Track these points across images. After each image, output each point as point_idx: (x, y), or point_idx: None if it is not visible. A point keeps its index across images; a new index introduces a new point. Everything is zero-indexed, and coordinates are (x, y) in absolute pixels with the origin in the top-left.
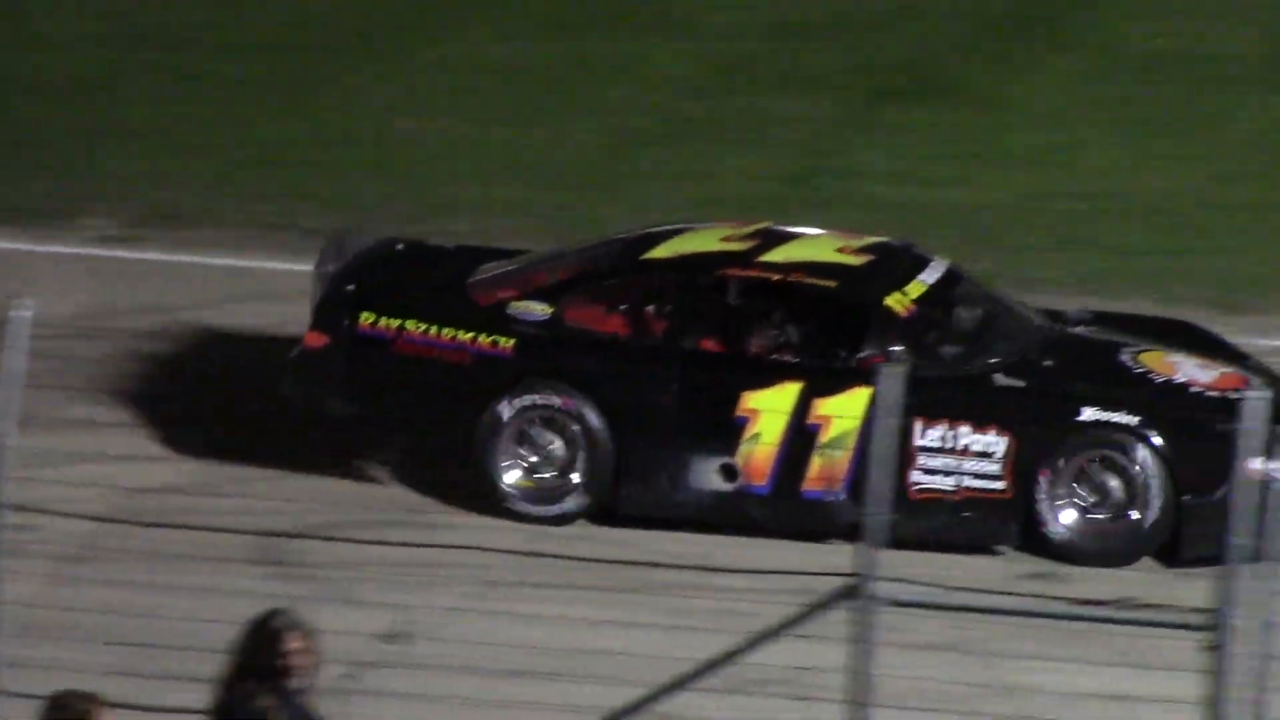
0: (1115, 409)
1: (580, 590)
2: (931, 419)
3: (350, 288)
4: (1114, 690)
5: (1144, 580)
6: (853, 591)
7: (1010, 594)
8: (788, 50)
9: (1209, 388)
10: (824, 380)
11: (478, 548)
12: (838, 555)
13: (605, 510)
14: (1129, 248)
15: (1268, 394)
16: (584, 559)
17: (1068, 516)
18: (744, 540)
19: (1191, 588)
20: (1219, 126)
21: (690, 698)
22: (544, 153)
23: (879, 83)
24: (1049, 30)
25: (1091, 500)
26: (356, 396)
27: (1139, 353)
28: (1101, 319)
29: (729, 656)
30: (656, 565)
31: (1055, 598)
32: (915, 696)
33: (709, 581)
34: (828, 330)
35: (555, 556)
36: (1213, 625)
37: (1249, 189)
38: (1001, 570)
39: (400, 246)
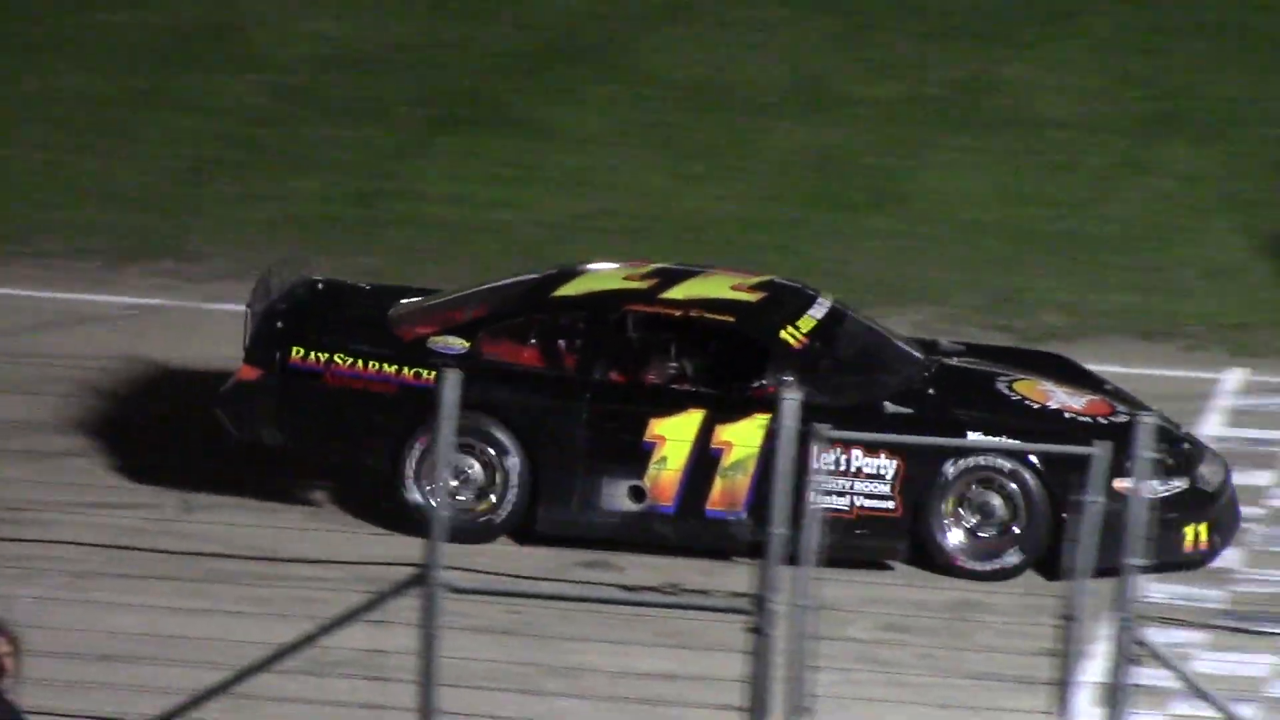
0: (996, 434)
1: (164, 580)
2: (826, 445)
3: (279, 324)
4: (663, 670)
5: (691, 567)
6: (419, 580)
7: (566, 581)
8: (352, 80)
9: (1080, 413)
10: (725, 408)
11: (71, 542)
12: (410, 548)
13: (523, 531)
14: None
15: (1154, 418)
16: (166, 551)
17: (955, 536)
18: (313, 532)
19: (736, 575)
20: (750, 151)
21: (270, 679)
22: (125, 178)
23: (437, 111)
24: (595, 61)
25: (976, 519)
26: (288, 426)
27: (1013, 381)
28: (972, 350)
29: (306, 640)
30: (232, 556)
31: (608, 584)
32: (480, 677)
33: (284, 571)
34: (727, 362)
35: (139, 549)
36: (755, 610)
37: (780, 208)
38: (558, 559)
39: (320, 285)
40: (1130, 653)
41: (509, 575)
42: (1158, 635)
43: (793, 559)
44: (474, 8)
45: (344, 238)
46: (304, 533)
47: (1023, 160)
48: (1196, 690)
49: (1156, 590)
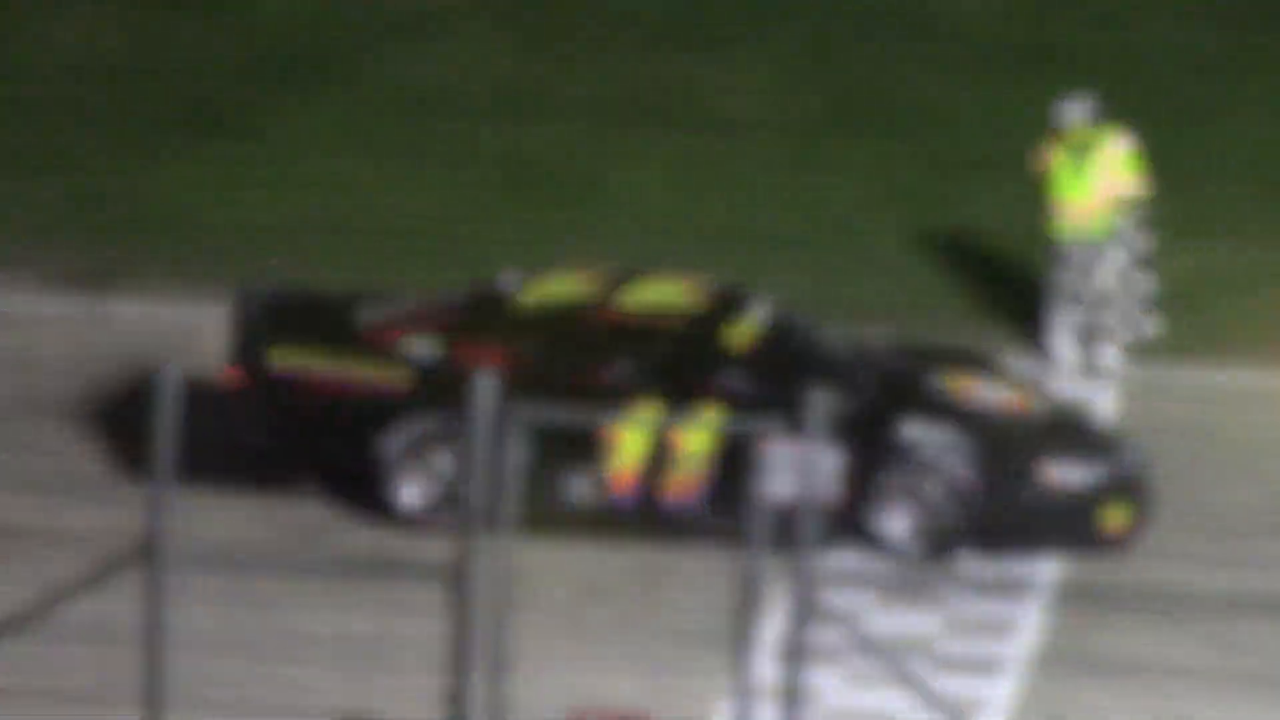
0: (931, 427)
1: None
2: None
3: (259, 332)
4: (375, 633)
5: (400, 539)
6: (146, 552)
7: (279, 560)
8: (89, 88)
9: (1005, 405)
10: (678, 407)
11: None
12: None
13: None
14: (383, 265)
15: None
16: None
17: (898, 523)
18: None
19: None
20: (458, 154)
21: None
22: None
23: (168, 116)
24: (320, 71)
25: (915, 506)
26: (271, 429)
27: (943, 378)
28: (900, 349)
29: (37, 608)
30: None
31: (321, 557)
32: (205, 644)
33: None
34: (680, 363)
35: None
36: (454, 577)
37: (482, 206)
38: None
39: (289, 295)
40: (807, 613)
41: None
42: (834, 597)
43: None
44: (206, 19)
45: (75, 239)
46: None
47: (709, 159)
48: (869, 648)
49: (834, 557)
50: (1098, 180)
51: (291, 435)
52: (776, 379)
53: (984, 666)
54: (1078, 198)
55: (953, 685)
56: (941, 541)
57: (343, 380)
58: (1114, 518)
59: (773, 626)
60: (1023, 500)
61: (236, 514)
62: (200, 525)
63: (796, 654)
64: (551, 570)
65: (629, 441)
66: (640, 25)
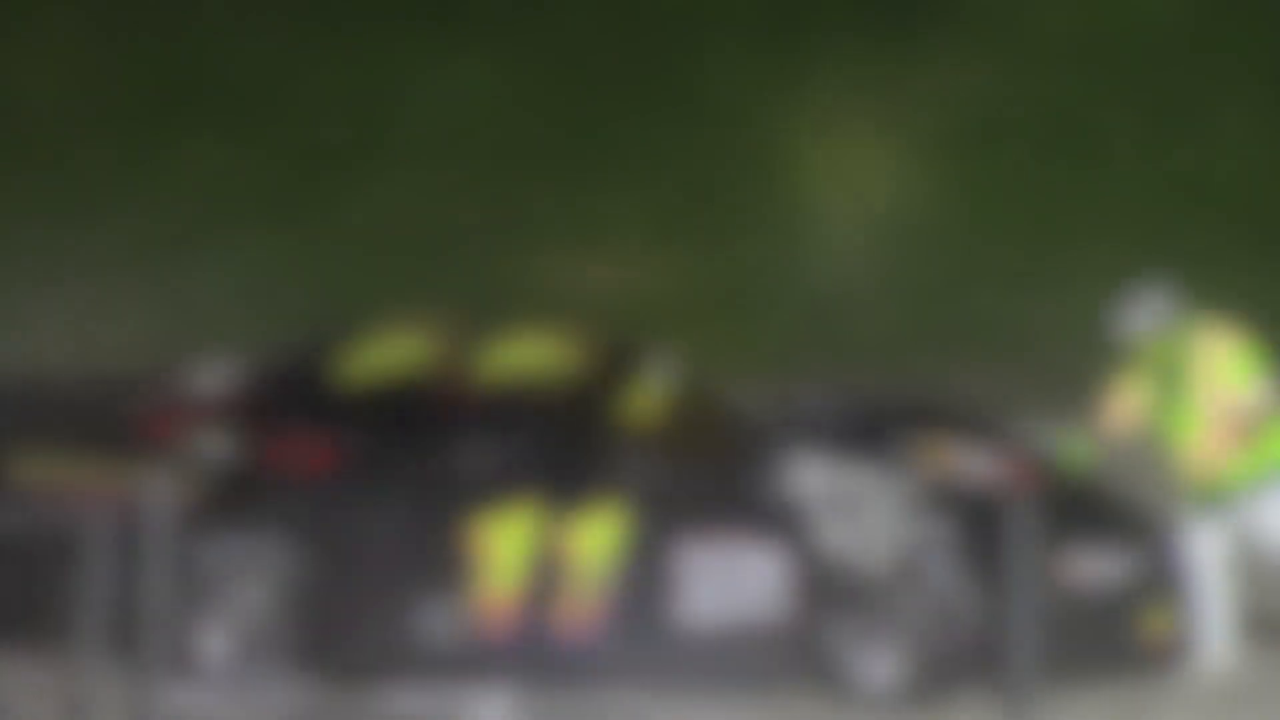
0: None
1: None
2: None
3: None
4: None
5: None
6: None
7: None
8: None
9: (998, 478)
10: (568, 508)
11: None
12: None
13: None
14: None
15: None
16: None
17: (873, 653)
18: None
19: None
20: None
21: None
22: None
23: None
24: None
25: (895, 629)
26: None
27: (909, 445)
28: (837, 402)
29: None
30: None
31: None
32: None
33: None
34: (563, 449)
35: None
36: None
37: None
38: None
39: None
40: None
41: None
42: None
43: None
44: None
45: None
46: None
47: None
48: None
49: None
50: (1205, 405)
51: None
52: (689, 464)
53: None
54: (1187, 439)
55: None
56: (933, 675)
57: (109, 493)
58: (1155, 622)
59: None
60: (1037, 610)
61: None
62: None
63: None
64: None
65: (502, 554)
66: None
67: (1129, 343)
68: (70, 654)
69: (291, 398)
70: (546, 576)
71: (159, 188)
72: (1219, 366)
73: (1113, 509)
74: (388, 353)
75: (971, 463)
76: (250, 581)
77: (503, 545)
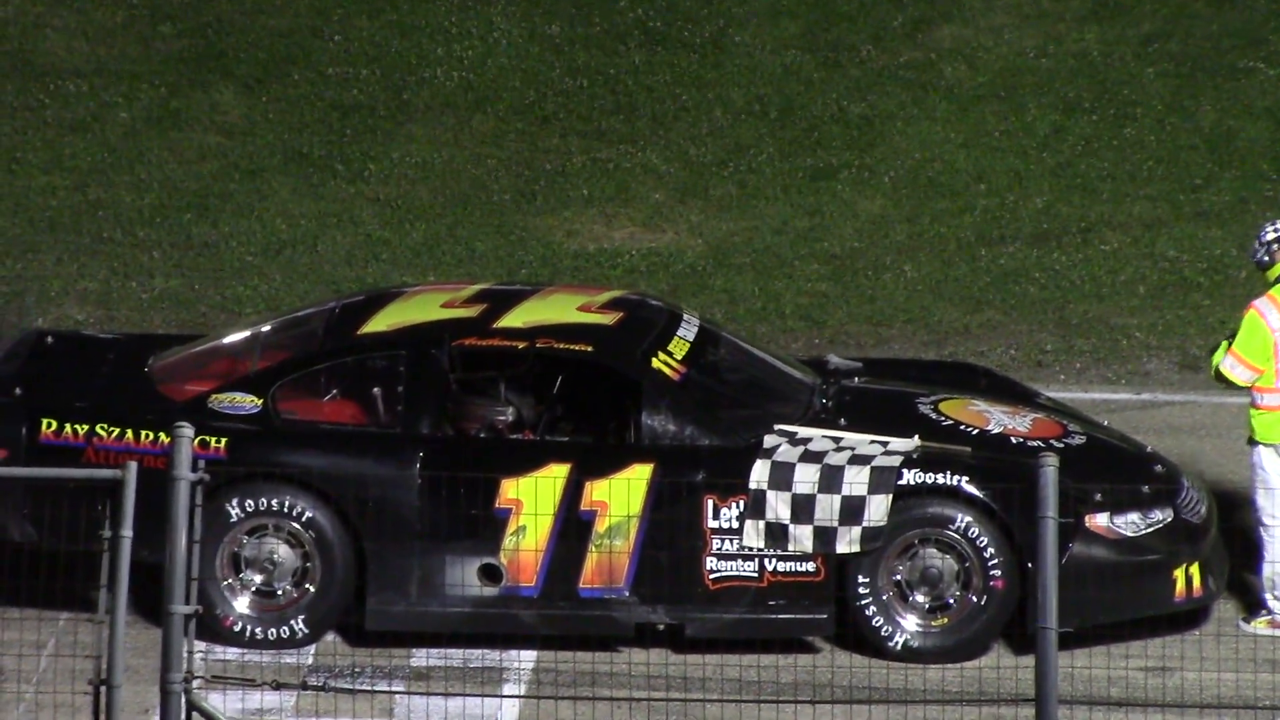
0: (937, 469)
1: None
2: (724, 496)
3: (18, 391)
4: None
5: None
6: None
7: None
8: None
9: (1029, 436)
10: (594, 460)
11: None
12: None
13: (350, 627)
14: None
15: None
16: None
17: (910, 623)
18: None
19: None
20: None
21: None
22: None
23: None
24: None
25: (922, 588)
26: (44, 519)
27: (938, 402)
28: (873, 366)
29: None
30: None
31: None
32: None
33: None
34: (590, 401)
35: None
36: None
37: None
38: None
39: (50, 339)
40: None
41: None
42: (230, 700)
43: None
44: None
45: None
46: None
47: (28, 119)
48: None
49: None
50: None
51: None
52: (717, 416)
53: None
54: None
55: None
56: (970, 632)
57: (138, 450)
58: (1186, 578)
59: None
60: (1070, 565)
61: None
62: None
63: None
64: None
65: (531, 510)
66: None
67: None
68: (105, 612)
69: (316, 353)
70: (575, 531)
71: (188, 144)
72: None
73: (1141, 462)
74: (409, 308)
75: (994, 417)
76: (274, 539)
77: (531, 498)
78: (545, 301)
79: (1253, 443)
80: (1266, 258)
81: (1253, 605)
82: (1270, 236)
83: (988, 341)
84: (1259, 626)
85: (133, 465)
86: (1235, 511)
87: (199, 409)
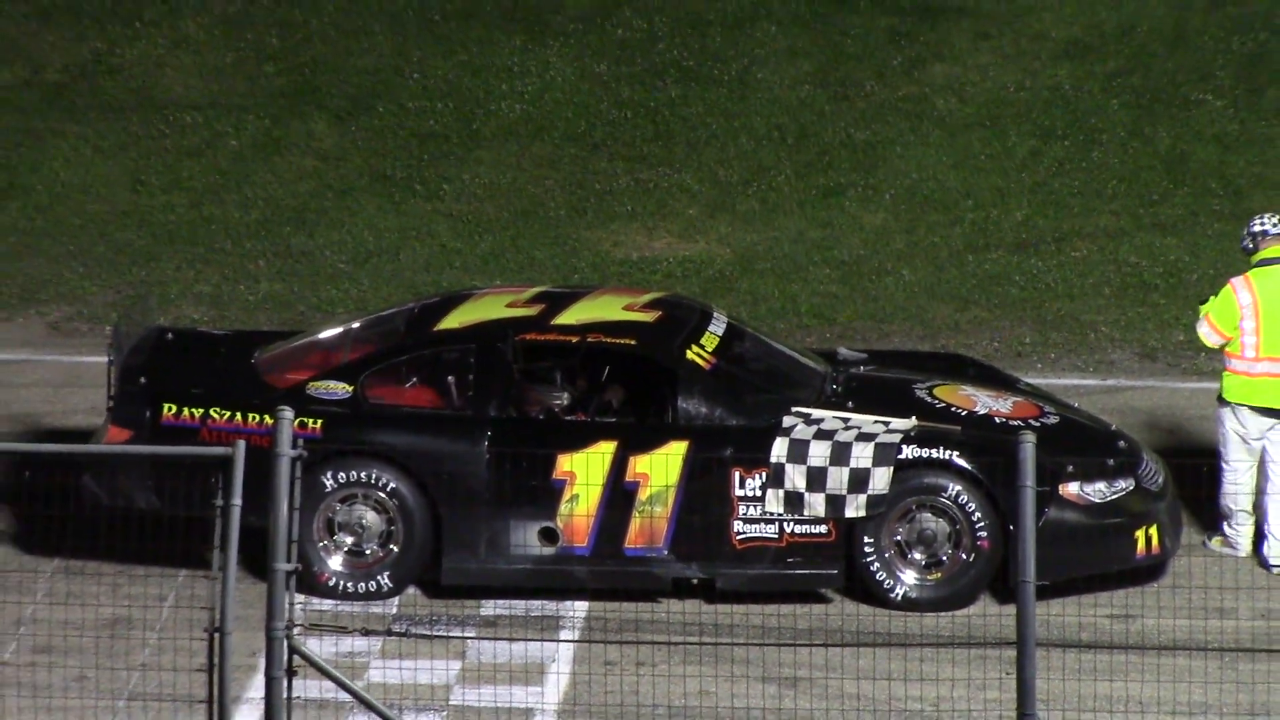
0: (931, 445)
1: None
2: (748, 469)
3: (143, 380)
4: None
5: None
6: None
7: None
8: None
9: (1010, 416)
10: (637, 437)
11: None
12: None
13: (428, 582)
14: None
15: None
16: None
17: (909, 577)
18: None
19: None
20: None
21: None
22: None
23: None
24: None
25: (919, 548)
26: (165, 489)
27: (933, 387)
28: (874, 356)
29: None
30: None
31: None
32: None
33: None
34: (634, 388)
35: None
36: None
37: None
38: None
39: (170, 335)
40: (284, 665)
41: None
42: (326, 645)
43: None
44: None
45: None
46: None
47: (151, 145)
48: (360, 700)
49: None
50: None
51: (187, 496)
52: (743, 400)
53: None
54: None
55: None
56: (960, 585)
57: (245, 430)
58: (1146, 538)
59: (256, 680)
60: (1046, 527)
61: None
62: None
63: (276, 712)
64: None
65: (583, 481)
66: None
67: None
68: (218, 569)
69: (398, 347)
70: (621, 498)
71: (288, 167)
72: None
73: (1107, 439)
74: (478, 308)
75: (980, 400)
76: (363, 506)
77: (584, 471)
78: (595, 302)
79: (1221, 400)
80: (1250, 244)
81: (1211, 529)
82: (1257, 228)
83: (975, 335)
84: (1216, 544)
85: (241, 443)
86: (1188, 481)
87: (298, 395)
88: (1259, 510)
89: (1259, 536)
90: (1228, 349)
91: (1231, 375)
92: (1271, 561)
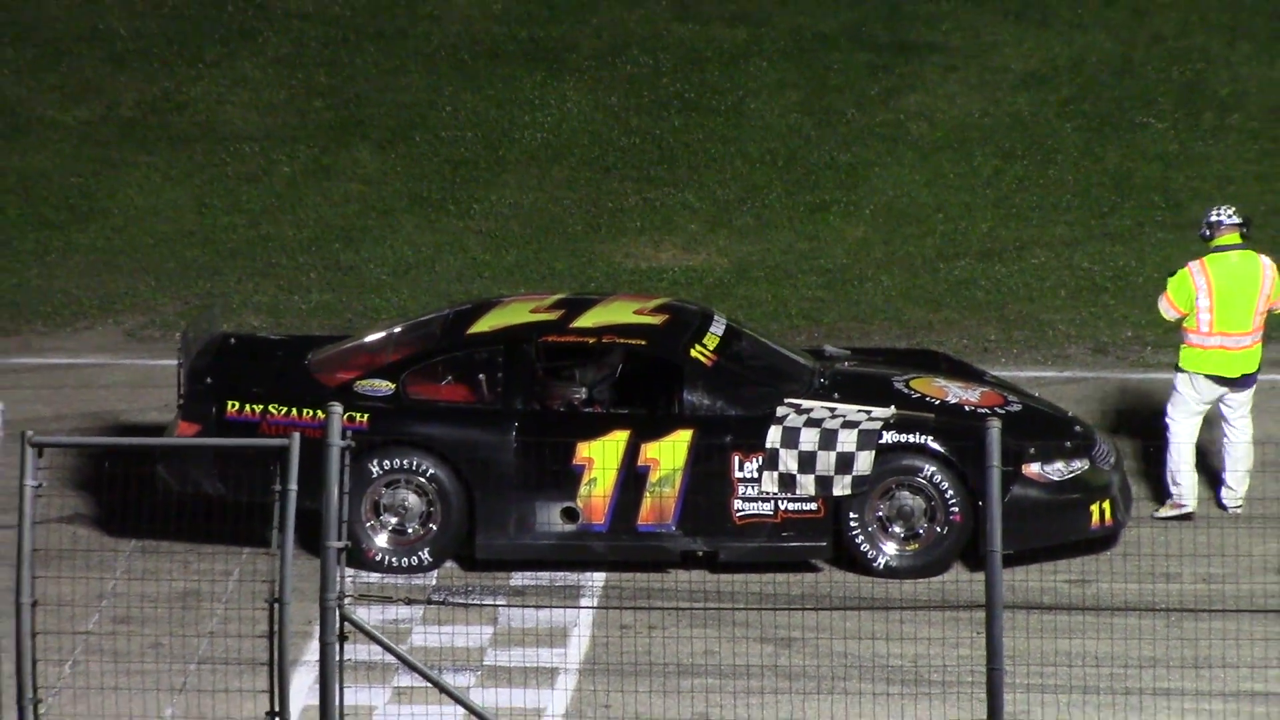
0: (909, 431)
1: None
2: (747, 454)
3: (209, 380)
4: None
5: None
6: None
7: None
8: None
9: (978, 405)
10: (648, 427)
11: None
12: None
13: (464, 557)
14: None
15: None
16: None
17: (889, 548)
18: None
19: None
20: None
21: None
22: None
23: None
24: None
25: (899, 522)
26: (230, 477)
27: (909, 380)
28: (858, 353)
29: None
30: None
31: None
32: None
33: None
34: (644, 383)
35: None
36: None
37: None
38: None
39: (233, 340)
40: (336, 632)
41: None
42: (373, 613)
43: None
44: None
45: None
46: None
47: (214, 173)
48: (405, 662)
49: (371, 574)
50: (1258, 310)
51: (250, 483)
52: (741, 393)
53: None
54: (1237, 332)
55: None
56: (935, 555)
57: (301, 424)
58: (1100, 512)
59: (311, 646)
60: (1011, 503)
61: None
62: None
63: (330, 675)
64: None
65: (601, 466)
66: (136, 41)
67: (1215, 241)
68: (277, 547)
69: (435, 348)
70: (634, 481)
71: (336, 191)
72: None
73: (1064, 424)
74: (505, 313)
75: (951, 391)
76: (405, 490)
77: (601, 457)
78: (609, 307)
79: (1177, 369)
80: (1208, 232)
81: (1162, 498)
82: (1214, 218)
83: (946, 334)
84: (1165, 510)
85: (296, 435)
86: (1137, 460)
87: (346, 392)
88: (1218, 460)
89: (1216, 484)
90: (1185, 324)
91: (1188, 348)
92: (1227, 504)
